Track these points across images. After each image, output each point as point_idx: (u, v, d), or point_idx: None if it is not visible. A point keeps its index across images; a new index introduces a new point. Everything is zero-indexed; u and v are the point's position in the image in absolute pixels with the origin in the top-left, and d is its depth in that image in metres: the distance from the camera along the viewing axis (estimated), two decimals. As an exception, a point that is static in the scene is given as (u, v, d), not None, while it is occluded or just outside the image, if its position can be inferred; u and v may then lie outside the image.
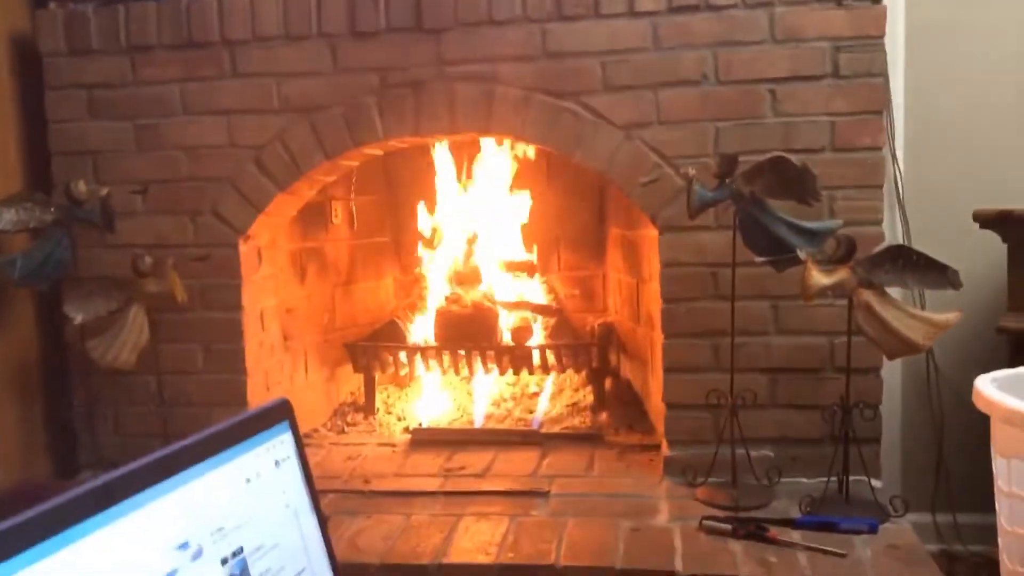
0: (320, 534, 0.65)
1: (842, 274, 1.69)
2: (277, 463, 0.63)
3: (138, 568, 0.49)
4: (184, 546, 0.53)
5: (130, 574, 0.49)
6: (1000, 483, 1.20)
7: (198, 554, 0.53)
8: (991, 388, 1.18)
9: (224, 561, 0.55)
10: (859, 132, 1.86)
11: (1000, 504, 1.21)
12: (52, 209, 1.96)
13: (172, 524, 0.52)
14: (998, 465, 1.20)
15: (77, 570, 0.46)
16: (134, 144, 2.08)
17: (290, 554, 0.61)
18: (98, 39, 2.05)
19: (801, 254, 1.70)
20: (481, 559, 1.63)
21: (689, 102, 1.90)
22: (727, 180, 1.75)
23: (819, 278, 1.68)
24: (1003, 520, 1.20)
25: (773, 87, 1.87)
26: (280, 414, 0.63)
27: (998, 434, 1.19)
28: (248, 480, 0.59)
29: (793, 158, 1.70)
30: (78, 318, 1.96)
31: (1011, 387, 1.22)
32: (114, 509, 0.49)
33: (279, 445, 0.63)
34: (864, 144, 1.86)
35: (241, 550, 0.57)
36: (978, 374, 1.22)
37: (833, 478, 1.80)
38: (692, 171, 1.77)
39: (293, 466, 0.64)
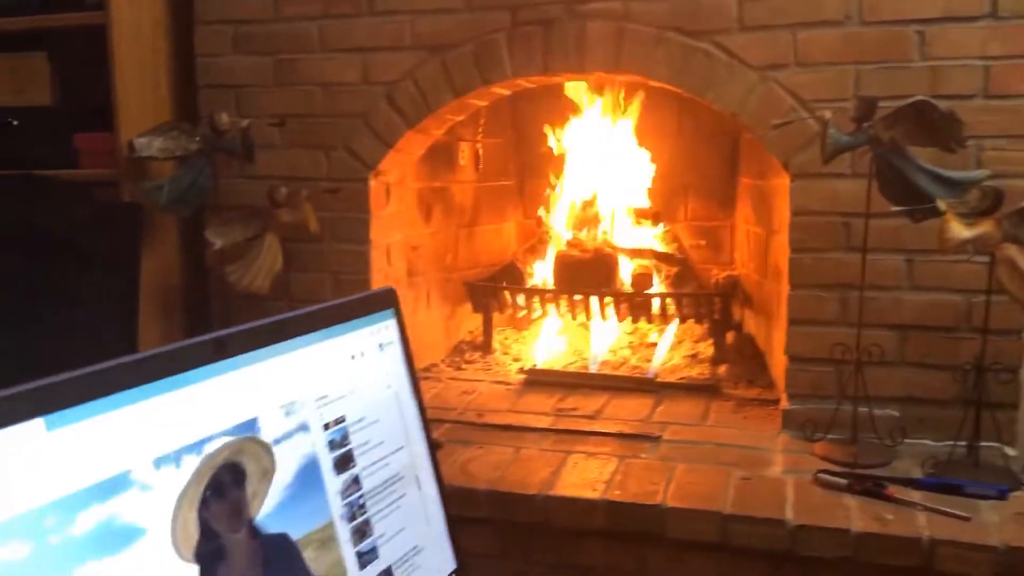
0: (420, 420, 0.67)
1: (985, 227, 1.59)
2: (381, 346, 0.65)
3: (244, 420, 0.52)
4: (289, 406, 0.55)
5: (236, 423, 0.52)
6: None
7: (301, 416, 0.56)
8: None
9: (326, 427, 0.58)
10: (1016, 77, 1.74)
11: None
12: (197, 139, 2.07)
13: (279, 384, 0.55)
14: None
15: (189, 411, 0.49)
16: (273, 79, 2.16)
17: (390, 432, 0.63)
18: (244, -24, 2.14)
19: (941, 205, 1.61)
20: (588, 494, 1.64)
21: (829, 43, 1.82)
22: (865, 125, 1.67)
23: (959, 230, 1.59)
24: None
25: (922, 28, 1.77)
26: (386, 301, 0.65)
27: None
28: (352, 357, 0.62)
29: (938, 103, 1.60)
30: (217, 244, 2.07)
31: None
32: (226, 362, 0.52)
33: (383, 330, 0.66)
34: (1020, 91, 1.74)
35: (343, 419, 0.59)
36: None
37: (962, 443, 1.71)
38: (828, 114, 1.70)
39: (396, 352, 0.66)
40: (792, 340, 1.91)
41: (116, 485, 0.44)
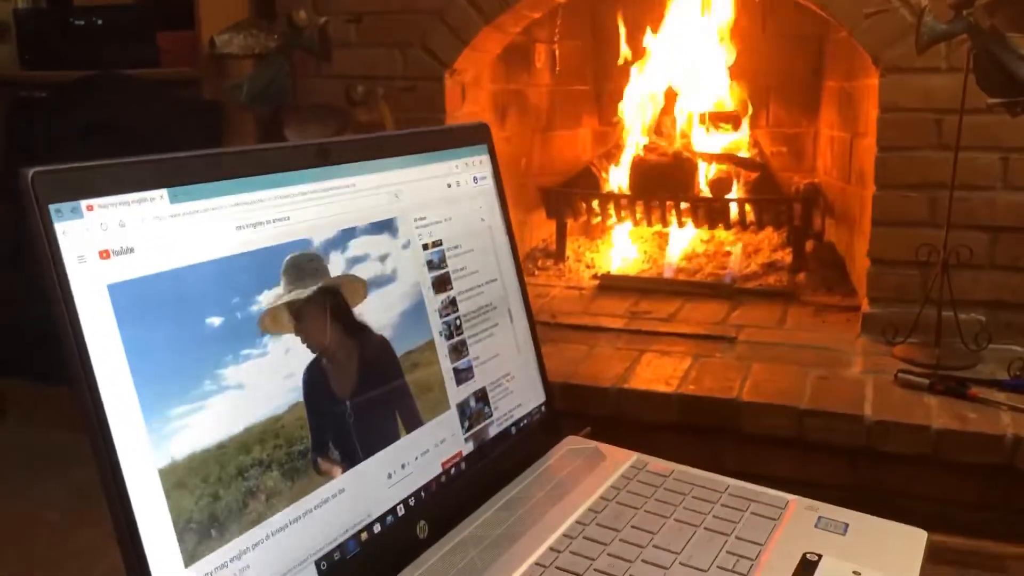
0: (513, 258, 0.68)
1: (1091, 120, 1.52)
2: (476, 179, 0.65)
3: (346, 225, 0.53)
4: (388, 221, 0.56)
5: (339, 227, 0.53)
6: None
7: (401, 231, 0.57)
8: None
9: (425, 247, 0.59)
10: None
11: None
12: (275, 36, 2.07)
13: (380, 198, 0.56)
14: None
15: (300, 208, 0.50)
16: (351, -25, 2.15)
17: (484, 263, 0.64)
18: None
19: (1043, 96, 1.54)
20: (662, 388, 1.65)
21: (929, -72, 1.72)
22: (964, 12, 1.59)
23: (1062, 123, 1.52)
24: None
25: (1032, -91, 1.66)
26: (481, 135, 0.65)
27: None
28: (449, 185, 0.62)
29: (1047, -14, 1.52)
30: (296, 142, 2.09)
31: None
32: (328, 169, 0.52)
33: (478, 164, 0.66)
34: None
35: (440, 243, 0.60)
36: None
37: (1051, 347, 1.67)
38: (924, 1, 1.62)
39: (490, 187, 0.66)
40: (876, 242, 1.86)
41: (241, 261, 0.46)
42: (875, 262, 1.87)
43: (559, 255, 2.54)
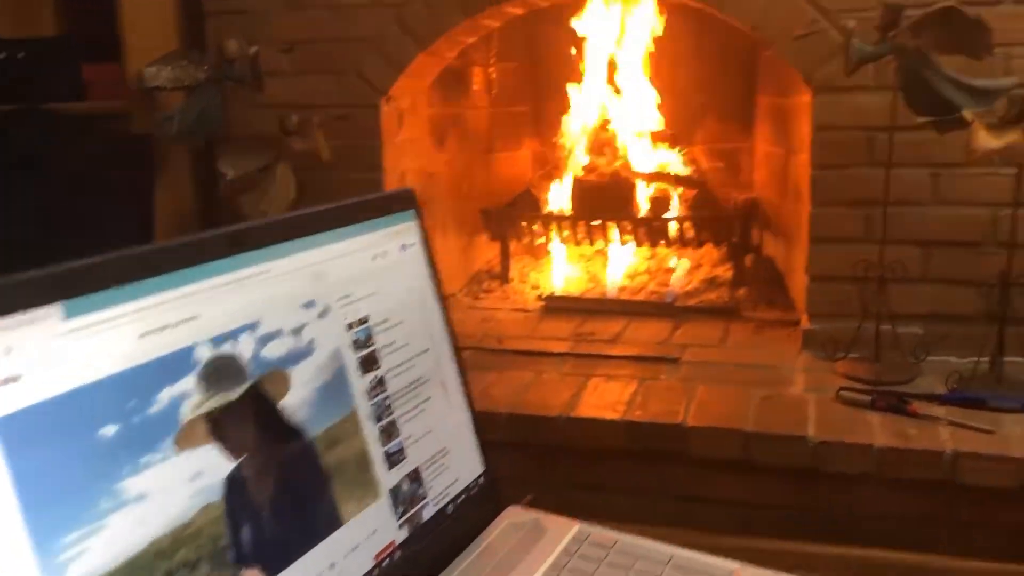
0: (444, 323, 0.66)
1: (1013, 137, 1.55)
2: (403, 247, 0.63)
3: (264, 317, 0.51)
4: (311, 304, 0.54)
5: (256, 320, 0.50)
6: None
7: (325, 313, 0.55)
8: None
9: (350, 326, 0.57)
10: (1047, -19, 1.68)
11: None
12: (205, 68, 2.03)
13: (300, 281, 0.54)
14: None
15: (211, 303, 0.48)
16: (282, 4, 2.11)
17: (414, 333, 0.62)
18: None
19: (967, 115, 1.57)
20: (608, 415, 1.64)
21: (853, -50, 1.75)
22: (890, 33, 1.62)
23: (987, 140, 1.55)
24: None
25: (950, -69, 1.70)
26: (406, 202, 0.64)
27: None
28: (375, 257, 0.60)
29: (966, 9, 1.55)
30: (230, 174, 2.04)
31: None
32: (244, 256, 0.50)
33: (405, 231, 0.64)
34: (1052, -5, 1.68)
35: (367, 319, 0.58)
36: None
37: (986, 358, 1.70)
38: (852, 23, 1.65)
39: (419, 253, 0.65)
40: (814, 259, 1.89)
41: (140, 375, 0.43)
42: (813, 278, 1.89)
43: (504, 277, 2.53)
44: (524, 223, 2.44)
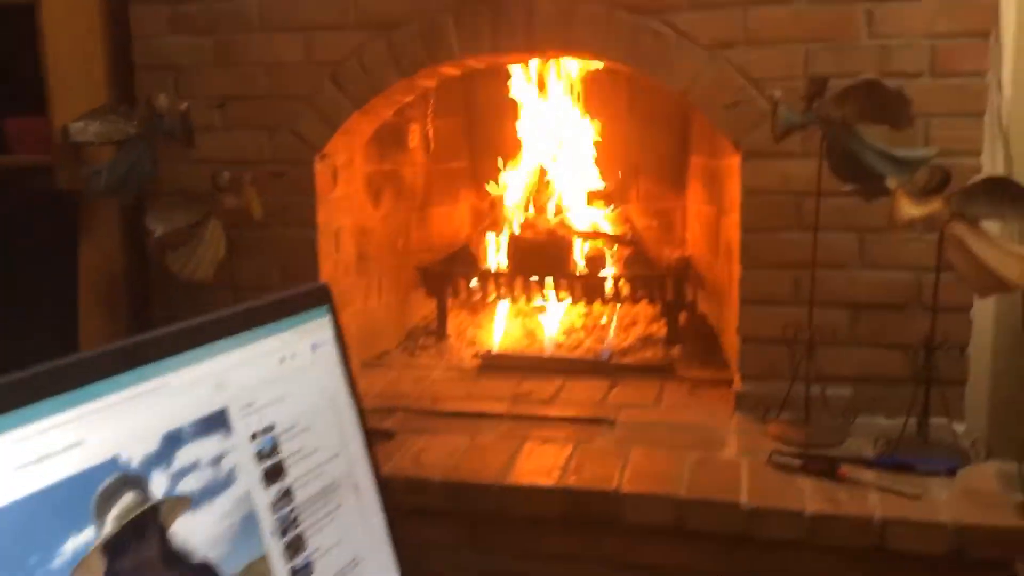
0: (358, 423, 0.64)
1: (934, 205, 1.60)
2: (314, 347, 0.61)
3: (160, 436, 0.49)
4: (212, 417, 0.52)
5: (154, 437, 0.48)
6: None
7: (226, 426, 0.52)
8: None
9: (253, 436, 0.54)
10: (961, 56, 1.74)
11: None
12: (135, 122, 1.99)
13: (200, 393, 0.51)
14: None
15: (100, 425, 0.45)
16: (214, 59, 2.09)
17: (324, 438, 0.60)
18: (180, -47, 2.06)
19: (891, 183, 1.61)
20: (543, 482, 1.62)
21: (779, 21, 1.80)
22: (815, 103, 1.66)
23: (909, 208, 1.59)
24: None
25: (870, 7, 1.76)
26: (320, 298, 0.62)
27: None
28: (282, 360, 0.58)
29: (887, 81, 1.60)
30: (158, 231, 2.00)
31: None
32: (141, 370, 0.48)
33: (317, 329, 0.62)
34: (966, 69, 1.74)
35: (272, 427, 0.56)
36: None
37: (913, 419, 1.72)
38: (778, 93, 1.68)
39: (331, 352, 0.63)
40: (744, 320, 1.91)
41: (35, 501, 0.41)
42: (745, 340, 1.91)
43: (440, 333, 2.51)
44: (461, 279, 2.43)
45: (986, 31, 1.74)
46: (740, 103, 1.81)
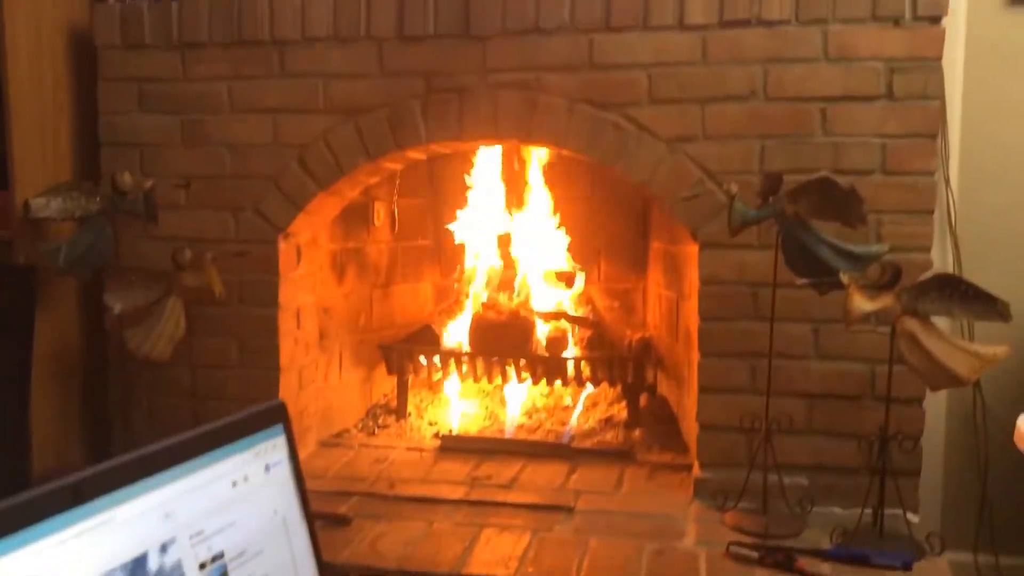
0: (310, 544, 0.64)
1: (886, 300, 1.64)
2: (267, 467, 0.61)
3: (110, 569, 0.48)
4: (160, 548, 0.51)
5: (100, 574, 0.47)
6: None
7: (174, 558, 0.52)
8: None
9: (203, 566, 0.54)
10: (911, 155, 1.81)
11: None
12: (97, 199, 1.99)
13: (147, 526, 0.51)
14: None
15: (43, 569, 0.45)
16: (180, 138, 2.10)
17: (275, 562, 0.60)
18: (151, 34, 2.08)
19: (844, 278, 1.65)
20: (500, 573, 1.61)
21: (736, 117, 1.86)
22: (771, 199, 1.71)
23: (862, 304, 1.63)
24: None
25: (824, 106, 1.83)
26: (274, 417, 0.62)
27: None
28: (234, 483, 0.58)
29: (840, 180, 1.65)
30: (117, 308, 1.98)
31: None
32: (86, 507, 0.47)
33: (271, 449, 0.62)
34: (916, 168, 1.81)
35: (222, 555, 0.55)
36: None
37: (868, 510, 1.74)
38: (734, 188, 1.73)
39: (285, 472, 0.63)
40: (703, 408, 1.92)
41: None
42: (703, 428, 1.93)
43: (400, 412, 2.49)
44: (422, 358, 2.43)
45: (933, 132, 1.81)
46: (698, 196, 1.85)
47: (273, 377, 2.10)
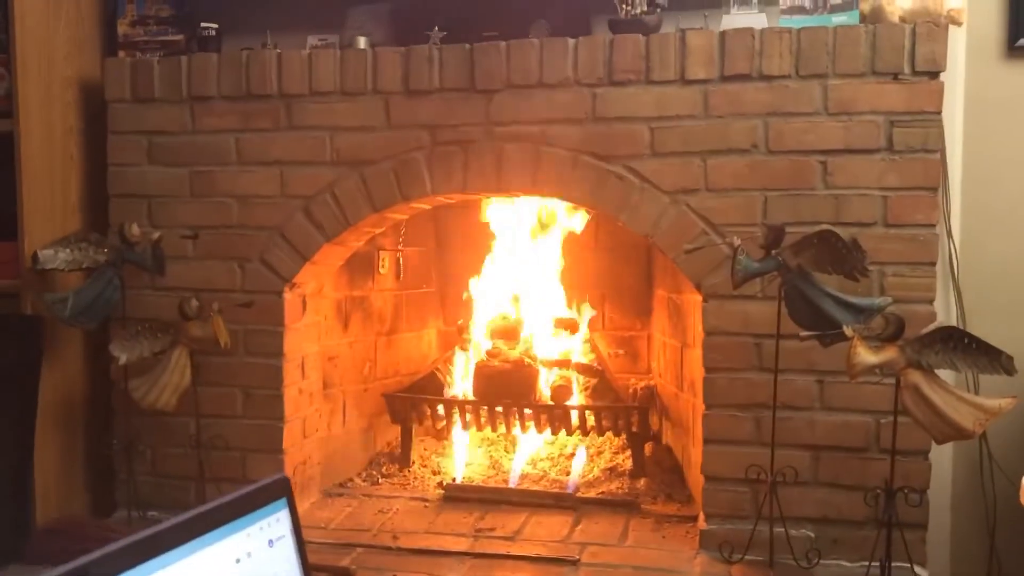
0: (312, 616, 0.64)
1: (890, 353, 1.64)
2: (271, 542, 0.62)
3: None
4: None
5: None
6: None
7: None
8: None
9: (204, 647, 0.54)
10: (912, 208, 1.82)
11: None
12: (105, 250, 2.01)
13: (151, 608, 0.51)
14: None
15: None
16: (189, 190, 2.13)
17: (277, 639, 0.60)
18: (161, 88, 2.12)
19: (847, 331, 1.66)
20: (504, 628, 1.59)
21: (738, 170, 1.88)
22: (773, 251, 1.72)
23: (866, 356, 1.63)
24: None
25: (824, 159, 1.84)
26: (278, 491, 0.62)
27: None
28: (238, 560, 0.58)
29: (842, 232, 1.66)
30: (123, 358, 1.99)
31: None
32: (90, 592, 0.48)
33: (275, 523, 0.62)
34: (917, 220, 1.82)
35: (224, 635, 0.55)
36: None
37: (875, 563, 1.72)
38: (737, 241, 1.74)
39: (288, 546, 0.63)
40: (708, 460, 1.92)
41: None
42: (709, 479, 1.92)
43: (404, 461, 2.48)
44: (426, 406, 2.43)
45: (934, 184, 1.82)
46: (701, 248, 1.87)
47: (277, 427, 2.11)
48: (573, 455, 2.45)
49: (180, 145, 2.13)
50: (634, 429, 2.32)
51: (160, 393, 2.00)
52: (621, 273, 2.61)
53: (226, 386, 2.12)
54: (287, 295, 2.11)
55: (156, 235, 2.03)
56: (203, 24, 2.17)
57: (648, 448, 2.41)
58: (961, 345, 1.62)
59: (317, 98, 2.06)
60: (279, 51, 2.08)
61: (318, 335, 2.28)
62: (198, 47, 2.17)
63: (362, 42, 2.09)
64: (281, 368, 2.11)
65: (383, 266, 2.54)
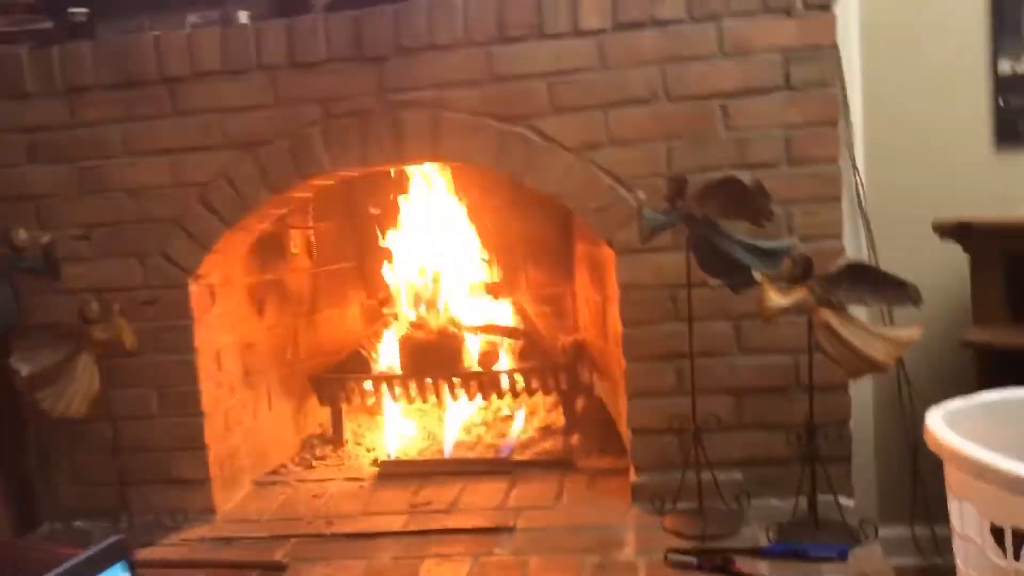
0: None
1: (800, 294, 1.64)
2: (114, 605, 0.58)
3: None
4: None
5: None
6: (953, 522, 1.15)
7: None
8: (940, 427, 1.13)
9: None
10: (815, 144, 1.81)
11: (955, 544, 1.16)
12: (-7, 259, 1.92)
13: None
14: (951, 505, 1.15)
15: None
16: (76, 188, 2.03)
17: None
18: (33, 81, 2.00)
19: (757, 275, 1.65)
20: (440, 606, 1.58)
21: (640, 121, 1.85)
22: (678, 203, 1.70)
23: (776, 299, 1.63)
24: (959, 561, 1.15)
25: (724, 102, 1.82)
26: (115, 554, 0.58)
27: (949, 474, 1.14)
28: (75, 632, 0.54)
29: (744, 177, 1.64)
30: (24, 371, 1.91)
31: (964, 418, 1.18)
32: None
33: (118, 584, 0.58)
34: (820, 156, 1.81)
35: None
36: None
37: (804, 498, 1.75)
38: (641, 195, 1.72)
39: (135, 605, 0.59)
40: (633, 413, 1.92)
41: None
42: (635, 432, 1.92)
43: (337, 441, 2.45)
44: (354, 385, 2.39)
45: (834, 119, 1.82)
46: (607, 207, 1.84)
47: (196, 423, 2.05)
48: (509, 418, 2.44)
49: (61, 141, 2.02)
50: (563, 388, 2.32)
51: (70, 402, 1.93)
52: (540, 230, 2.57)
53: (139, 387, 2.05)
54: (192, 287, 2.04)
55: (46, 238, 1.93)
56: (72, 10, 2.04)
57: (580, 403, 2.41)
58: (868, 280, 1.63)
59: (201, 80, 1.97)
60: (157, 33, 1.98)
61: (232, 324, 2.21)
62: (69, 35, 2.05)
63: (243, 17, 1.99)
64: (194, 363, 2.04)
65: (295, 246, 2.47)
